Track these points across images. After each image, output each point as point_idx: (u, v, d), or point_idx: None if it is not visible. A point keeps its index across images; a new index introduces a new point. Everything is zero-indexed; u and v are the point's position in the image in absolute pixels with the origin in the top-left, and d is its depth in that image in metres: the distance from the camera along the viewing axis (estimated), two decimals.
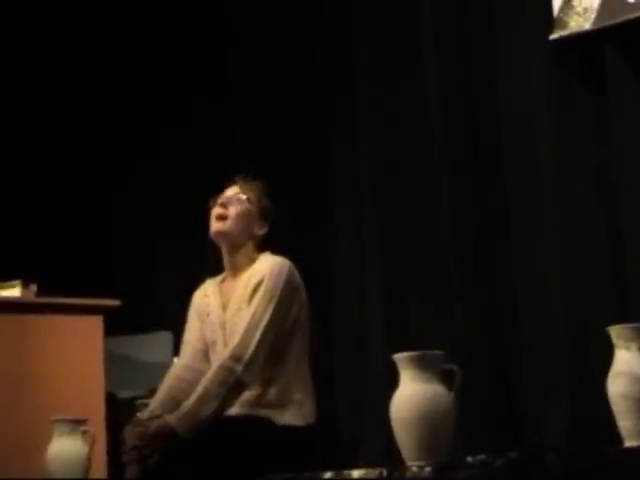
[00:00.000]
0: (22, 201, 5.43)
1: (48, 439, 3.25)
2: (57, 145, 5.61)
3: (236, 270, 3.33)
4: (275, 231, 3.35)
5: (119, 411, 4.21)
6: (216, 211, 3.31)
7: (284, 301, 3.19)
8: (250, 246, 3.32)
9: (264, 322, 3.14)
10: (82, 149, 5.66)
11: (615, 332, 2.09)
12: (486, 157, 3.95)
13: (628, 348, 2.05)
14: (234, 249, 3.31)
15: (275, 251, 3.35)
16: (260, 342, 3.12)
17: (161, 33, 5.51)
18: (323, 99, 4.69)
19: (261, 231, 3.32)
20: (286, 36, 4.84)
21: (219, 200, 3.32)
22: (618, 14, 3.55)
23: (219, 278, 3.41)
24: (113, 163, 5.69)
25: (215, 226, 3.29)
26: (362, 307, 4.27)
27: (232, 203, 3.31)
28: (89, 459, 3.26)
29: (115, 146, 5.70)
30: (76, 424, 3.27)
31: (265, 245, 3.34)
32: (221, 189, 3.37)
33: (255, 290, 3.20)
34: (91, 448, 3.28)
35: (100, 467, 3.73)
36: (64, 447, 3.23)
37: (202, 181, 3.45)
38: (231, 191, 3.35)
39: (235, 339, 3.13)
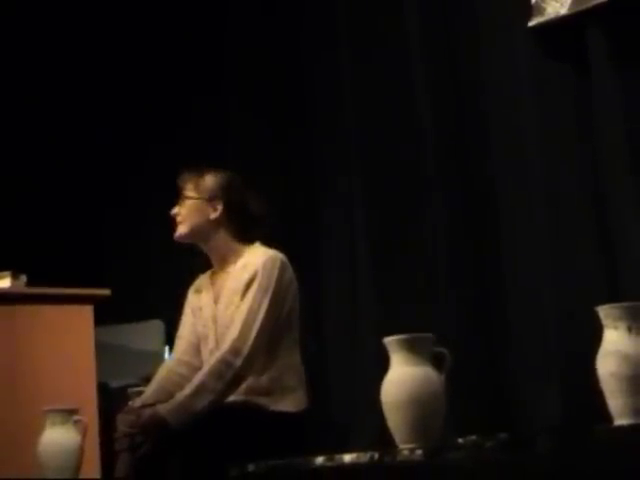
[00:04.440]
0: (11, 192, 5.42)
1: (40, 429, 3.25)
2: (47, 138, 5.60)
3: (221, 262, 3.34)
4: (237, 202, 3.34)
5: (111, 400, 4.21)
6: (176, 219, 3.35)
7: (278, 295, 3.20)
8: (220, 234, 3.32)
9: (261, 316, 3.15)
10: (73, 141, 5.65)
11: (603, 312, 2.10)
12: (473, 145, 3.96)
13: (616, 327, 2.06)
14: (204, 242, 3.34)
15: (256, 234, 3.36)
16: (257, 336, 3.13)
17: (152, 36, 5.50)
18: (311, 94, 4.69)
19: (217, 212, 3.31)
20: (276, 35, 4.85)
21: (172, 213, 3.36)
22: None
23: (209, 272, 3.42)
24: (104, 154, 5.69)
25: (176, 232, 3.33)
26: (352, 292, 4.28)
27: (180, 206, 3.34)
28: (82, 448, 3.26)
29: (107, 138, 5.69)
30: (68, 414, 3.27)
31: (243, 229, 3.34)
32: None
33: (249, 285, 3.21)
34: (83, 437, 3.28)
35: (93, 456, 3.73)
36: (56, 437, 3.23)
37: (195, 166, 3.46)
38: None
39: (234, 333, 3.13)
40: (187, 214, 3.31)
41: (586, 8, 3.56)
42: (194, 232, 3.31)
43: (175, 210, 3.34)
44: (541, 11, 3.69)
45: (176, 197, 3.40)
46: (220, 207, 3.31)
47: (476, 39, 3.98)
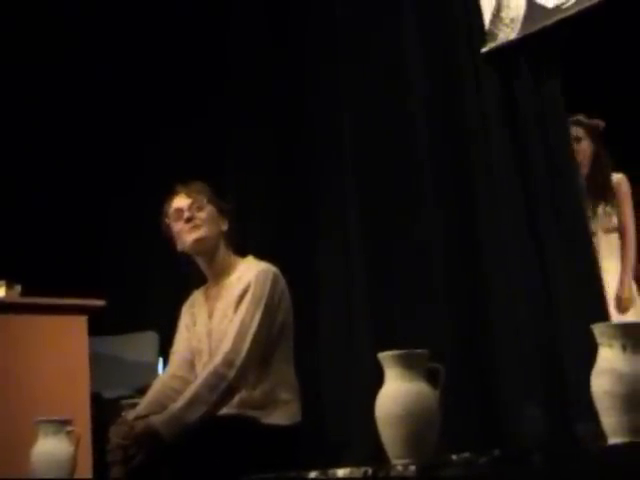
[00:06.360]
0: (7, 201, 5.41)
1: (33, 439, 3.24)
2: (44, 144, 5.60)
3: (218, 276, 3.35)
4: (234, 224, 3.38)
5: (104, 411, 4.21)
6: (184, 226, 3.31)
7: (270, 308, 3.20)
8: (223, 247, 3.34)
9: (253, 329, 3.15)
10: (70, 148, 5.65)
11: (598, 330, 2.11)
12: (465, 159, 4.00)
13: (611, 345, 2.06)
14: (211, 254, 3.33)
15: (245, 249, 3.38)
16: (250, 348, 3.13)
17: (155, 38, 5.52)
18: (309, 101, 4.70)
19: (225, 226, 3.36)
20: (277, 41, 4.87)
21: (180, 215, 3.32)
22: (539, 21, 3.64)
23: (203, 288, 3.42)
24: (101, 163, 5.69)
25: (192, 236, 3.29)
26: (347, 307, 4.28)
27: (195, 211, 3.32)
28: (74, 459, 3.25)
29: (104, 146, 5.70)
30: (61, 424, 3.26)
31: (233, 242, 3.36)
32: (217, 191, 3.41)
33: (241, 297, 3.21)
34: (76, 448, 3.26)
35: (85, 467, 3.72)
36: (49, 447, 3.22)
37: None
38: (183, 202, 3.34)
39: (227, 345, 3.13)
40: (207, 219, 3.31)
41: (533, 32, 3.65)
42: (210, 238, 3.31)
43: (189, 214, 3.32)
44: (494, 37, 3.77)
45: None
46: (227, 222, 3.34)
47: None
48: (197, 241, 3.29)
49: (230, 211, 3.40)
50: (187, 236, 3.30)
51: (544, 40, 3.69)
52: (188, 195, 3.34)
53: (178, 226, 3.33)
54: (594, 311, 3.46)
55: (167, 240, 3.41)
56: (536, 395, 3.54)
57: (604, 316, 3.46)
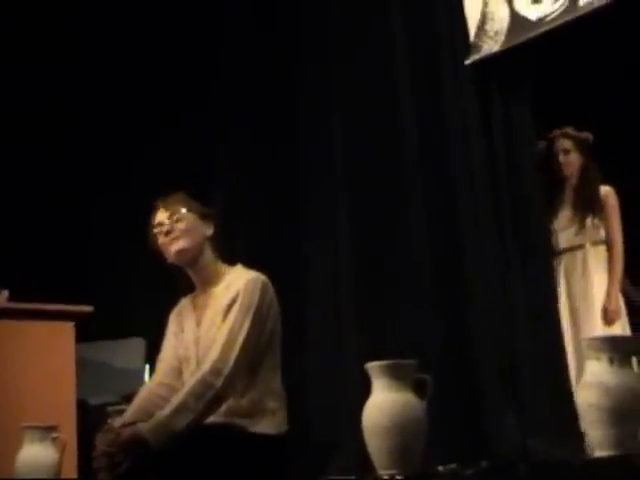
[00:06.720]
0: None
1: (18, 445, 3.23)
2: (31, 149, 5.59)
3: (205, 283, 3.34)
4: (220, 227, 3.38)
5: (90, 417, 4.19)
6: (164, 239, 3.31)
7: (259, 317, 3.20)
8: (209, 253, 3.33)
9: (242, 337, 3.15)
10: (57, 153, 5.64)
11: (585, 343, 2.11)
12: (444, 164, 4.04)
13: (598, 359, 2.07)
14: (196, 262, 3.32)
15: (231, 253, 3.38)
16: (238, 357, 3.12)
17: (152, 39, 5.52)
18: (298, 100, 4.71)
19: (210, 230, 3.35)
20: (267, 42, 4.88)
21: (161, 230, 3.32)
22: (523, 33, 3.67)
23: (191, 296, 3.42)
24: (89, 168, 5.68)
25: (173, 247, 3.29)
26: (336, 316, 4.28)
27: (174, 223, 3.31)
28: (59, 465, 3.24)
29: (92, 151, 5.69)
30: (46, 431, 3.25)
31: (219, 246, 3.36)
32: (198, 195, 3.40)
33: (231, 306, 3.20)
34: (61, 454, 3.25)
35: (71, 474, 3.71)
36: (34, 454, 3.21)
37: (178, 188, 3.45)
38: (162, 216, 3.34)
39: (215, 353, 3.12)
40: (187, 229, 3.30)
41: (517, 44, 3.69)
42: (192, 248, 3.30)
43: (168, 227, 3.32)
44: (478, 49, 3.80)
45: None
46: (212, 225, 3.34)
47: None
48: (178, 252, 3.30)
49: (214, 215, 3.39)
50: (169, 248, 3.31)
51: (525, 52, 3.72)
52: (166, 208, 3.34)
53: (161, 239, 3.33)
54: (547, 325, 3.50)
55: (156, 252, 3.41)
56: (513, 404, 3.55)
57: (556, 330, 3.51)
